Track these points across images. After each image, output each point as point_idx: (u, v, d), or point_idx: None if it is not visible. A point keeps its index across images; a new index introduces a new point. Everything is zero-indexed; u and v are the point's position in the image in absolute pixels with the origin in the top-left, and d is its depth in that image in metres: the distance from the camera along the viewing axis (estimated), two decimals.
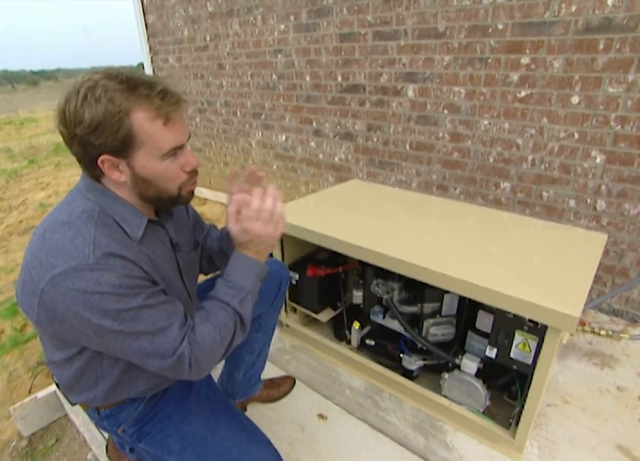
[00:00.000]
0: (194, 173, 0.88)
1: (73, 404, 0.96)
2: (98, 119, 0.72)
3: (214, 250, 1.16)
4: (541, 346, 1.12)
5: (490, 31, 2.00)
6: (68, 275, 0.71)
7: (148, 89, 0.75)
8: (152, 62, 4.18)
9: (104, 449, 1.35)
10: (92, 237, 0.75)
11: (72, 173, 5.55)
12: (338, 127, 2.83)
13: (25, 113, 14.44)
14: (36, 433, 1.54)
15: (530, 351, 1.18)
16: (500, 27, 1.97)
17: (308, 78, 2.88)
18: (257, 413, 1.48)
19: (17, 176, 5.62)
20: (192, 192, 0.91)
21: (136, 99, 0.74)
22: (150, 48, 4.13)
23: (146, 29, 4.05)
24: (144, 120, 0.75)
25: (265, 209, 0.88)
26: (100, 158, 0.76)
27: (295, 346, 1.82)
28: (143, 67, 4.20)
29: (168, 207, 0.92)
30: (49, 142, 8.06)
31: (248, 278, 0.89)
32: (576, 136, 1.90)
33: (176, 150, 0.81)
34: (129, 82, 0.74)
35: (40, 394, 1.52)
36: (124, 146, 0.75)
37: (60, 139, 0.81)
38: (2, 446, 1.52)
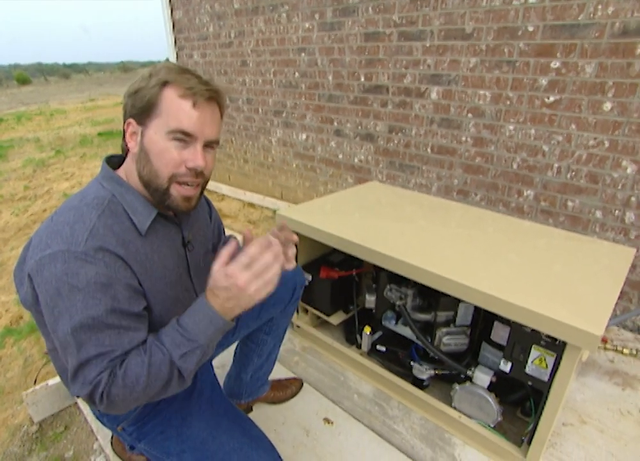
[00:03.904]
0: (193, 172, 0.82)
1: (75, 396, 0.97)
2: (141, 85, 0.80)
3: None
4: (559, 363, 1.07)
5: (520, 33, 1.93)
6: (55, 257, 0.71)
7: (193, 75, 0.81)
8: (177, 58, 4.23)
9: (110, 440, 1.37)
10: (91, 225, 0.75)
11: (96, 165, 5.67)
12: (359, 127, 2.80)
13: (55, 105, 14.86)
14: (46, 419, 1.56)
15: (547, 367, 1.13)
16: (530, 29, 1.90)
17: (330, 77, 2.86)
18: (263, 414, 1.46)
19: (44, 166, 5.77)
20: (189, 199, 0.85)
21: (177, 76, 0.79)
22: (175, 44, 4.17)
23: (173, 25, 4.09)
24: (172, 93, 0.79)
25: (262, 261, 0.75)
26: (127, 120, 0.83)
27: (305, 347, 1.80)
28: None
29: (159, 201, 0.84)
30: (76, 134, 8.24)
31: (203, 331, 0.76)
32: (606, 144, 1.83)
33: (185, 136, 0.79)
34: (183, 68, 0.82)
35: (52, 381, 1.54)
36: (145, 111, 0.79)
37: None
38: (14, 430, 1.55)
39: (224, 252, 0.77)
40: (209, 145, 0.84)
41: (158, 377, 0.74)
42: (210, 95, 0.81)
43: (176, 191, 0.83)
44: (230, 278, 0.74)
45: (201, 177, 0.85)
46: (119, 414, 0.93)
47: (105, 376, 0.71)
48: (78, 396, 0.97)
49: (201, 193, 0.90)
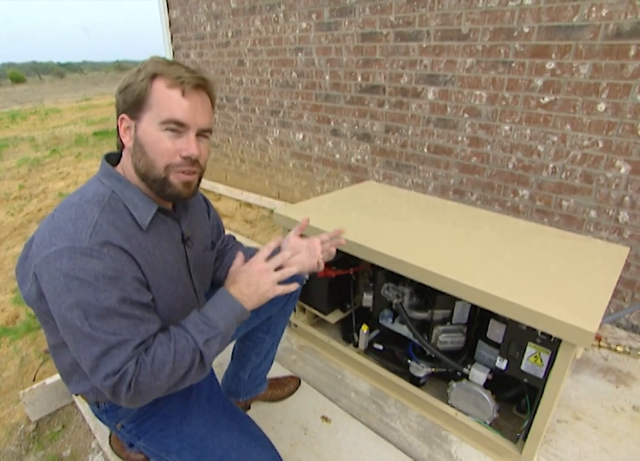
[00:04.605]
0: (188, 161, 0.83)
1: (74, 394, 0.97)
2: (130, 81, 0.81)
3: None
4: (554, 359, 1.08)
5: (515, 34, 1.95)
6: (60, 254, 0.72)
7: (180, 66, 0.82)
8: (173, 57, 4.23)
9: (108, 439, 1.37)
10: (94, 221, 0.75)
11: (92, 164, 5.65)
12: (356, 127, 2.81)
13: (50, 104, 14.77)
14: (43, 419, 1.56)
15: (542, 364, 1.15)
16: (526, 30, 1.92)
17: (327, 77, 2.87)
18: (260, 412, 1.47)
19: (39, 165, 5.74)
20: (189, 184, 0.86)
21: (164, 68, 0.80)
22: (172, 43, 4.17)
23: (170, 24, 4.09)
24: (161, 85, 0.80)
25: (280, 256, 0.92)
26: (120, 116, 0.83)
27: (302, 346, 1.81)
28: None
29: (159, 191, 0.85)
30: (71, 133, 8.20)
31: (224, 319, 0.83)
32: (600, 144, 1.85)
33: (178, 126, 0.80)
34: (170, 61, 0.83)
35: (49, 381, 1.54)
36: (137, 105, 0.80)
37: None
38: (11, 429, 1.55)
39: (239, 257, 0.95)
40: (202, 134, 0.85)
41: (181, 365, 0.77)
42: (198, 83, 0.82)
43: (176, 178, 0.84)
44: (250, 264, 0.89)
45: (197, 166, 0.86)
46: (134, 407, 0.91)
47: (133, 365, 0.72)
48: (76, 395, 0.97)
49: (199, 181, 0.91)
